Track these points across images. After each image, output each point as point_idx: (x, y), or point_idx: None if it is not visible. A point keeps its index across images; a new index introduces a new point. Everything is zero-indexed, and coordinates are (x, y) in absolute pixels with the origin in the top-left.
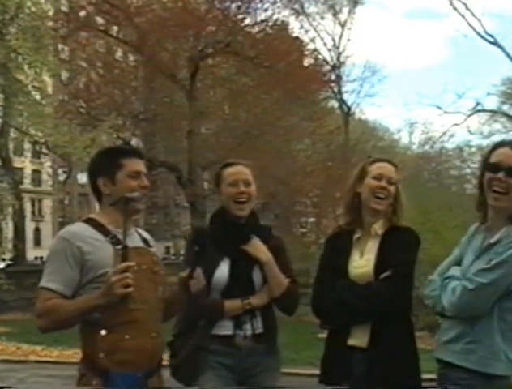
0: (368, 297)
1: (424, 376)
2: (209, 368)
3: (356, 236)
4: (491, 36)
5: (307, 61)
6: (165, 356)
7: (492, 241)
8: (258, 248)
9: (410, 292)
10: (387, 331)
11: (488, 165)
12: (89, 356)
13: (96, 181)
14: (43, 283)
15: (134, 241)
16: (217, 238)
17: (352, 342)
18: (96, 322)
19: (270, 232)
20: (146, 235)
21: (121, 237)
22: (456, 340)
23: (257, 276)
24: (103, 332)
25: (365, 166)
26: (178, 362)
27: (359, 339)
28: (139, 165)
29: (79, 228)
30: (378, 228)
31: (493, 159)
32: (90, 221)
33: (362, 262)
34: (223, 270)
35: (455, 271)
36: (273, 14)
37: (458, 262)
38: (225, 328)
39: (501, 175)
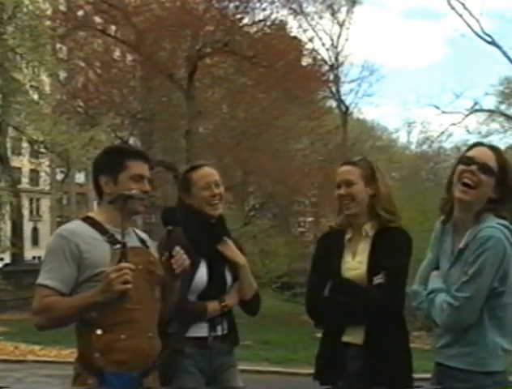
0: (362, 300)
1: (423, 375)
2: (185, 372)
3: (347, 236)
4: (489, 35)
5: (305, 61)
6: None
7: (461, 246)
8: (234, 251)
9: (403, 294)
10: (381, 328)
11: (462, 158)
12: (84, 356)
13: (98, 179)
14: (40, 280)
15: (131, 240)
16: (193, 239)
17: (346, 339)
18: (91, 322)
19: (229, 236)
20: (143, 235)
21: (118, 236)
22: (451, 345)
23: (229, 278)
24: (98, 332)
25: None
26: None
27: (353, 336)
28: (143, 169)
29: (77, 226)
30: (369, 228)
31: (469, 153)
32: (87, 220)
33: (355, 263)
34: (202, 272)
35: (437, 280)
36: (271, 14)
37: (435, 266)
38: (201, 330)
39: (473, 167)
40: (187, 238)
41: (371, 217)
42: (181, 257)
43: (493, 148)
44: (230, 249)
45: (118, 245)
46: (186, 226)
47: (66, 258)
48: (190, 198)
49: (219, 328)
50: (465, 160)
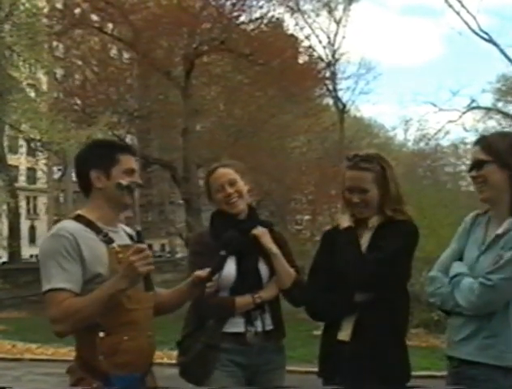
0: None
1: (421, 373)
2: (220, 365)
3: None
4: (486, 33)
5: (302, 59)
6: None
7: (499, 232)
8: (267, 238)
9: (398, 279)
10: (370, 324)
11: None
12: (87, 359)
13: (89, 174)
14: (53, 284)
15: (121, 238)
16: (219, 238)
17: (340, 337)
18: (93, 325)
19: (271, 227)
20: (130, 231)
21: (112, 234)
22: (473, 337)
23: (263, 270)
24: (101, 334)
25: (344, 172)
26: (188, 361)
27: (345, 333)
28: (134, 163)
29: (71, 224)
30: (375, 221)
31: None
32: (80, 218)
33: None
34: (230, 267)
35: (461, 267)
36: (268, 12)
37: (458, 257)
38: (237, 325)
39: (473, 173)
40: (214, 239)
41: (378, 212)
42: (214, 286)
43: (478, 141)
44: (264, 235)
45: (114, 244)
46: (212, 222)
47: (73, 256)
48: (212, 201)
49: (258, 323)
50: (469, 168)
